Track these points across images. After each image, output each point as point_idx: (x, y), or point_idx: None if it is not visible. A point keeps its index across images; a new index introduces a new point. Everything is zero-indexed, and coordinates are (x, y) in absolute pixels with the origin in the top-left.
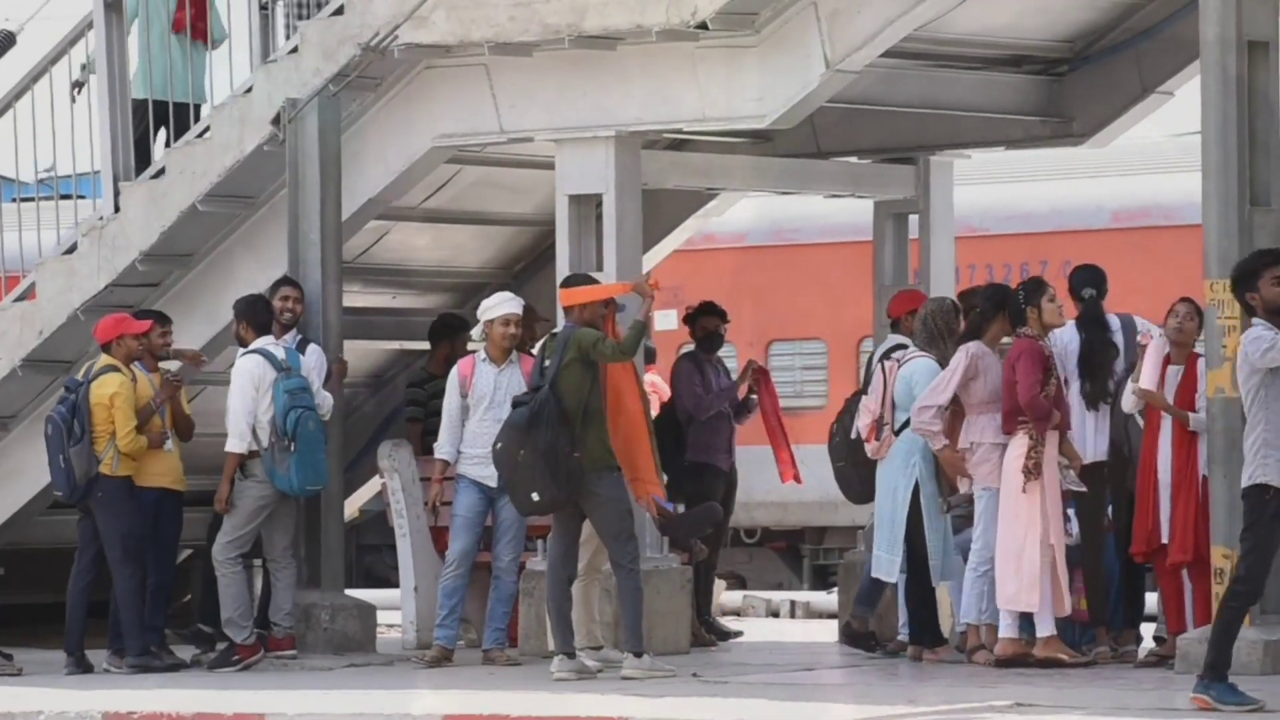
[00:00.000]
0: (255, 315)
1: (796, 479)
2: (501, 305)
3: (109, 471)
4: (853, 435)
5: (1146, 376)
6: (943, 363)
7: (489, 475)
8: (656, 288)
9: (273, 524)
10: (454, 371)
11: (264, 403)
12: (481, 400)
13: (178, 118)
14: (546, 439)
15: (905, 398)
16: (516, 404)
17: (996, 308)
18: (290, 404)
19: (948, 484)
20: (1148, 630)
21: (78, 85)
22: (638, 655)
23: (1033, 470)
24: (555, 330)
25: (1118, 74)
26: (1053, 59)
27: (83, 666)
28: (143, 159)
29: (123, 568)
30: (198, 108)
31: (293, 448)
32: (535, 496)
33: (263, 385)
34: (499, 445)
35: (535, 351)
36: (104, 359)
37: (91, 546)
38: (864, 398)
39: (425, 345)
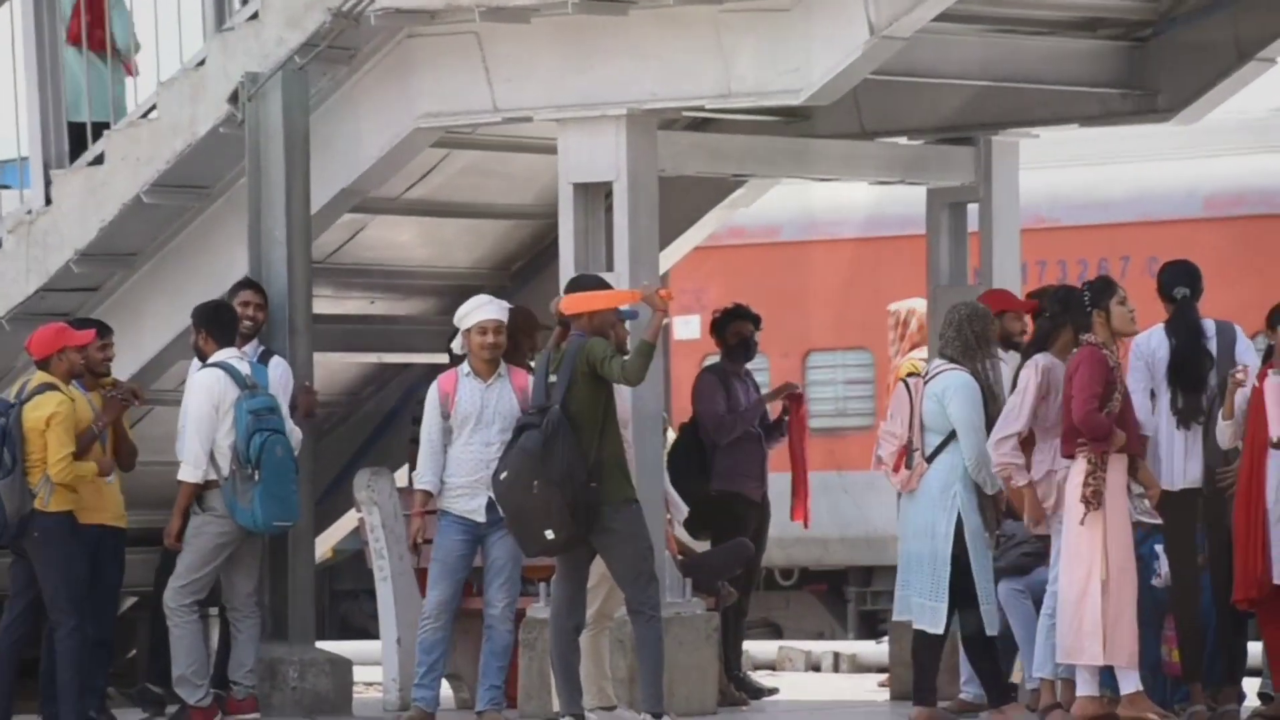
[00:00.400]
0: (219, 324)
1: (805, 522)
2: (478, 311)
3: (45, 507)
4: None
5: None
6: (976, 377)
7: (475, 509)
8: (669, 299)
9: (234, 566)
10: (433, 388)
11: (224, 425)
12: (466, 421)
13: (82, 139)
14: (562, 467)
15: (937, 418)
16: (524, 426)
17: (1067, 312)
18: (255, 426)
19: (994, 516)
20: (1251, 686)
21: None
22: (657, 717)
23: (1092, 499)
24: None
25: (1210, 38)
26: (1134, 21)
27: None
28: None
29: (65, 619)
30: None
31: (256, 477)
32: (550, 535)
33: (223, 405)
34: (504, 476)
35: (534, 364)
36: (40, 376)
37: (25, 594)
38: (884, 423)
39: (408, 358)
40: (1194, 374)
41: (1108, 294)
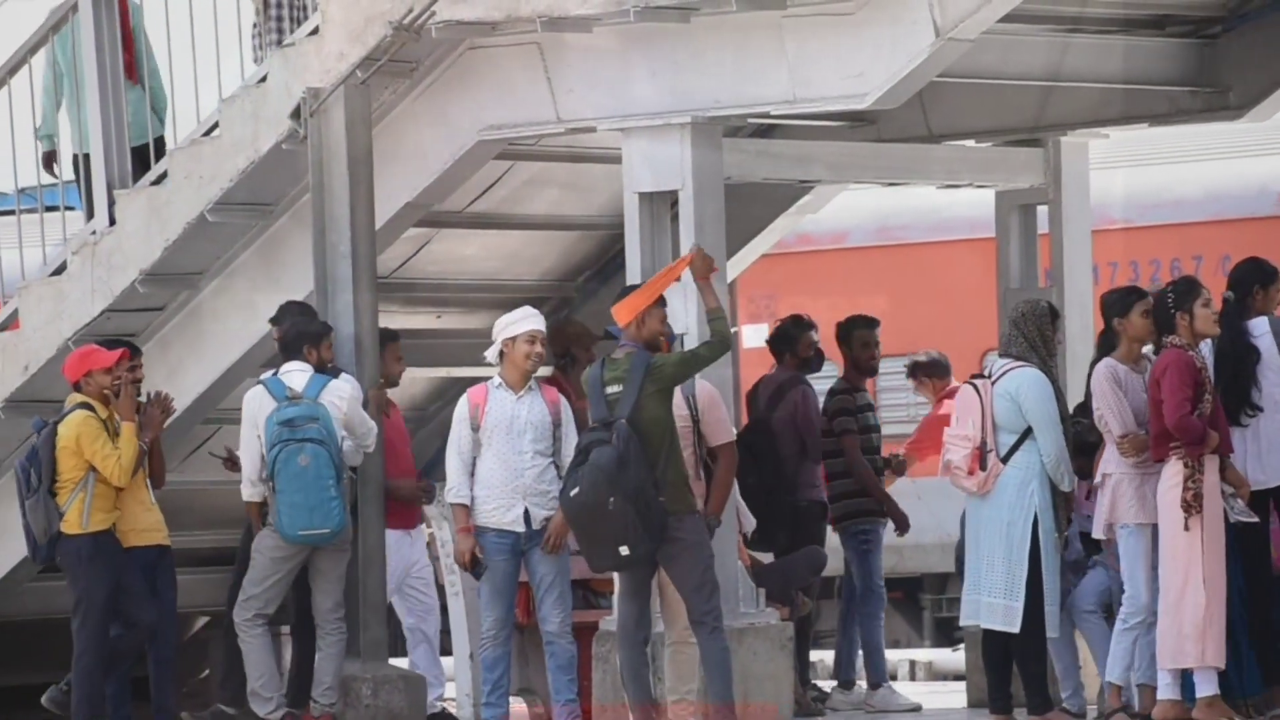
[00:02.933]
0: (285, 339)
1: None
2: (525, 321)
3: (73, 530)
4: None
5: None
6: (1045, 372)
7: (513, 520)
8: (707, 263)
9: (315, 580)
10: (462, 401)
11: (265, 440)
12: (496, 432)
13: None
14: (635, 482)
15: (1010, 417)
16: (591, 444)
17: (1117, 318)
18: (278, 437)
19: (1065, 515)
20: None
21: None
22: None
23: (1194, 503)
24: (610, 354)
25: None
26: (1204, 19)
27: None
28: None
29: (76, 643)
30: (145, 148)
31: (274, 487)
32: (625, 551)
33: (259, 420)
34: (575, 493)
35: (585, 379)
36: (74, 398)
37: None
38: (949, 429)
39: (475, 372)
40: (1235, 372)
41: (1191, 296)
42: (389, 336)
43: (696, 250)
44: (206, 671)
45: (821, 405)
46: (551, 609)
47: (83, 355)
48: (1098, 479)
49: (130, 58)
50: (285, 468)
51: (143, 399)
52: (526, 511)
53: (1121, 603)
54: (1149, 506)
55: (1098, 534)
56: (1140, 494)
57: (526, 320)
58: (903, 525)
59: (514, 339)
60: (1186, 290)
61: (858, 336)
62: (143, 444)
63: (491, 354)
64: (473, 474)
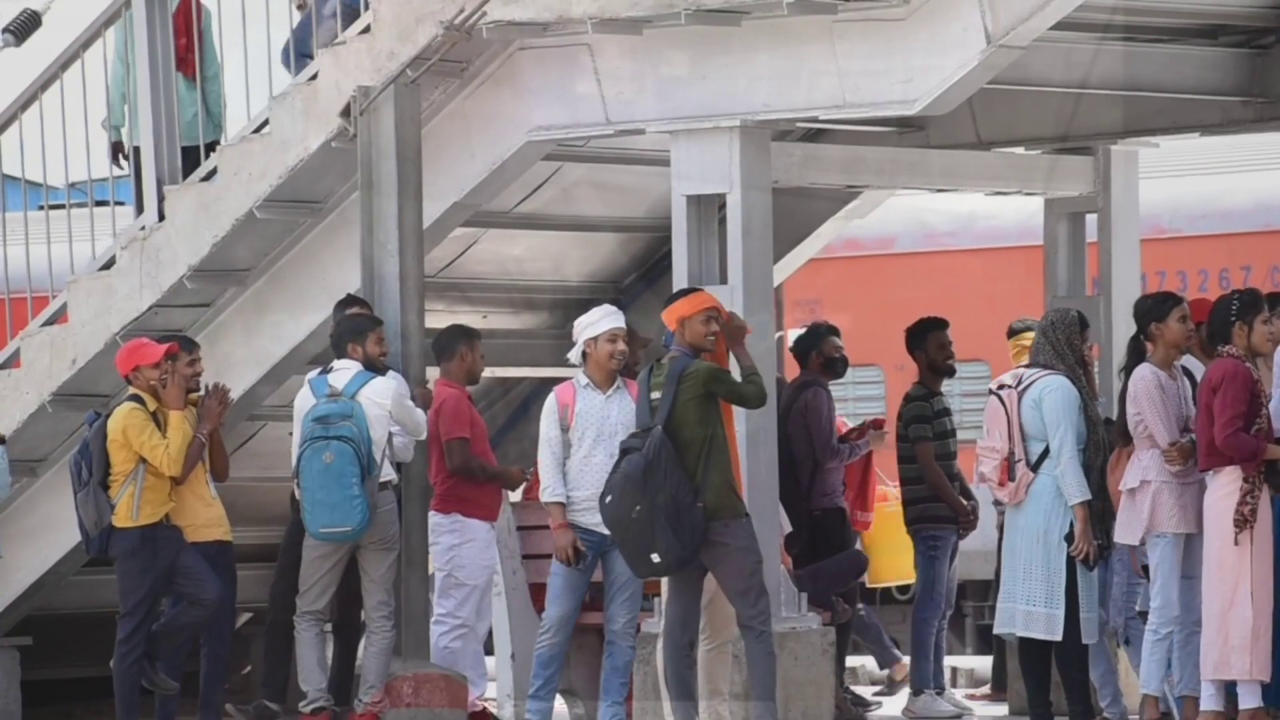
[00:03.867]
0: (332, 337)
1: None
2: (605, 320)
3: (123, 523)
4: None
5: None
6: (1074, 381)
7: (597, 522)
8: (748, 330)
9: (363, 579)
10: (550, 400)
11: None
12: (587, 433)
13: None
14: (667, 490)
15: (1037, 425)
16: (626, 450)
17: (1154, 323)
18: (312, 434)
19: (1100, 527)
20: None
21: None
22: None
23: (1250, 518)
24: (660, 358)
25: None
26: (1256, 28)
27: None
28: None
29: (120, 630)
30: (197, 149)
31: (298, 485)
32: (655, 558)
33: (301, 419)
34: (609, 500)
35: (639, 381)
36: (129, 390)
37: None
38: (980, 440)
39: (521, 372)
40: None
41: (1255, 309)
42: (472, 334)
43: (729, 316)
44: (249, 667)
45: (897, 412)
46: (620, 608)
47: (131, 350)
48: (1134, 484)
49: (193, 55)
50: (309, 465)
51: (201, 391)
52: None
53: (1149, 612)
54: (1189, 516)
55: (1130, 540)
56: (1181, 503)
57: (607, 319)
58: (967, 523)
59: (595, 339)
60: (1251, 302)
61: (933, 339)
62: (201, 436)
63: (575, 355)
64: (564, 471)
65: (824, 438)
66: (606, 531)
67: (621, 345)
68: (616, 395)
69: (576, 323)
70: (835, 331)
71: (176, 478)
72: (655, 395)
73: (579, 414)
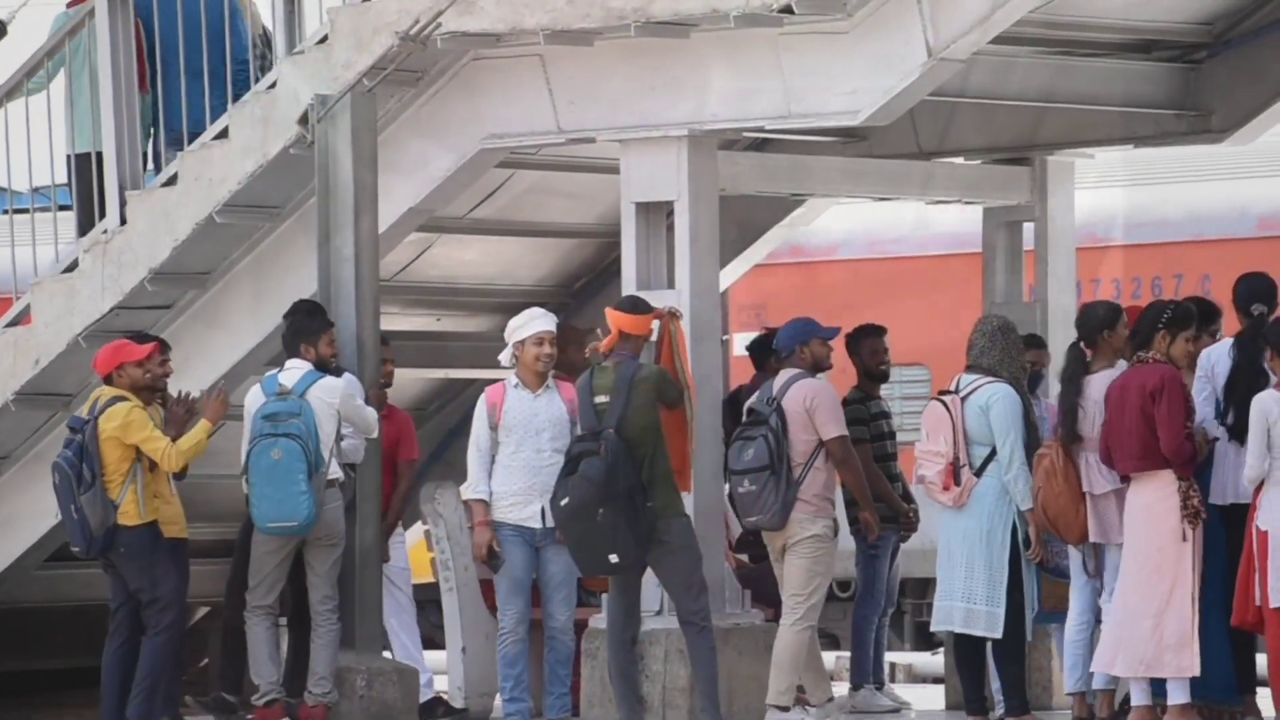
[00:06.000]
0: (283, 337)
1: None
2: (534, 323)
3: (132, 521)
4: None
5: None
6: (1015, 387)
7: (529, 516)
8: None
9: (309, 573)
10: (481, 400)
11: None
12: (514, 431)
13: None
14: (624, 493)
15: (982, 430)
16: (581, 454)
17: (1106, 331)
18: (259, 431)
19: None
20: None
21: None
22: None
23: (1200, 509)
24: (603, 363)
25: (1264, 61)
26: (1189, 44)
27: None
28: (88, 219)
29: (163, 617)
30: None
31: (247, 480)
32: (614, 559)
33: (249, 416)
34: (565, 503)
35: (577, 385)
36: (107, 391)
37: (127, 604)
38: (919, 444)
39: (473, 374)
40: (1249, 391)
41: (1184, 325)
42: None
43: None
44: (206, 660)
45: None
46: (560, 606)
47: (115, 349)
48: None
49: (143, 69)
50: (258, 461)
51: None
52: (543, 509)
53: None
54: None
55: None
56: (1120, 510)
57: (534, 322)
58: (908, 524)
59: (523, 341)
60: (1183, 317)
61: (868, 345)
62: (171, 435)
63: (505, 357)
64: (490, 471)
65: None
66: (537, 525)
67: (549, 348)
68: (546, 394)
69: (509, 325)
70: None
71: (178, 473)
72: (600, 399)
73: (507, 412)
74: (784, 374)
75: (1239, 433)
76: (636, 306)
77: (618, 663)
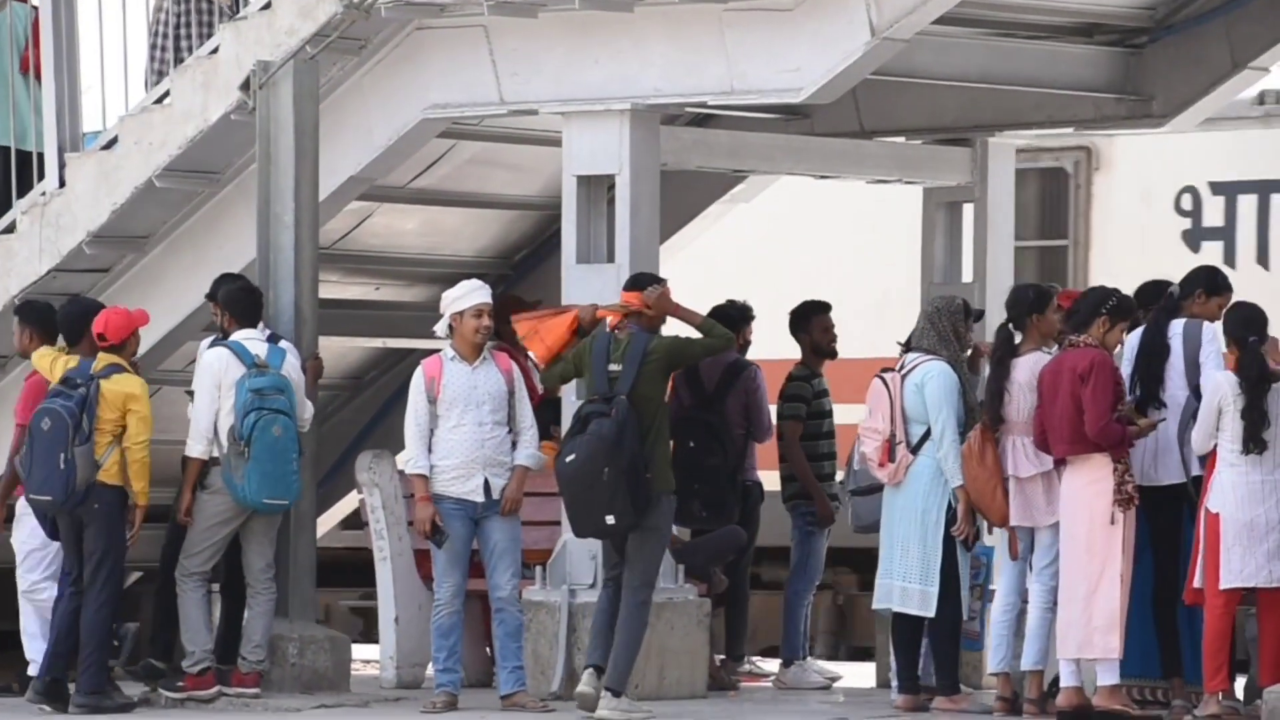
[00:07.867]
0: (244, 305)
1: None
2: (472, 295)
3: (111, 480)
4: (854, 463)
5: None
6: (954, 367)
7: (471, 490)
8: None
9: (247, 542)
10: (418, 373)
11: (226, 403)
12: (454, 404)
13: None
14: (629, 456)
15: (919, 408)
16: (591, 414)
17: (1035, 314)
18: (252, 404)
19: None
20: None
21: None
22: (616, 695)
23: (1134, 494)
24: (613, 330)
25: (1205, 46)
26: (1130, 28)
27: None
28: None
29: (105, 588)
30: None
31: (248, 454)
32: (610, 520)
33: (225, 383)
34: (571, 459)
35: (589, 349)
36: (106, 358)
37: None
38: (863, 419)
39: (411, 343)
40: (1149, 367)
41: (1125, 315)
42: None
43: (644, 297)
44: (138, 624)
45: (779, 390)
46: (504, 575)
47: (126, 315)
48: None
49: (38, 57)
50: (262, 436)
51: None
52: (486, 481)
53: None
54: (1054, 507)
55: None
56: (1046, 494)
57: (473, 294)
58: (825, 518)
59: (461, 313)
60: (1125, 309)
61: (817, 321)
62: None
63: (440, 328)
64: (429, 444)
65: (764, 416)
66: (479, 499)
67: (486, 320)
68: (483, 366)
69: (444, 296)
70: (752, 316)
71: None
72: (614, 367)
73: (446, 385)
74: None
75: (1148, 403)
76: (636, 282)
77: (607, 595)
